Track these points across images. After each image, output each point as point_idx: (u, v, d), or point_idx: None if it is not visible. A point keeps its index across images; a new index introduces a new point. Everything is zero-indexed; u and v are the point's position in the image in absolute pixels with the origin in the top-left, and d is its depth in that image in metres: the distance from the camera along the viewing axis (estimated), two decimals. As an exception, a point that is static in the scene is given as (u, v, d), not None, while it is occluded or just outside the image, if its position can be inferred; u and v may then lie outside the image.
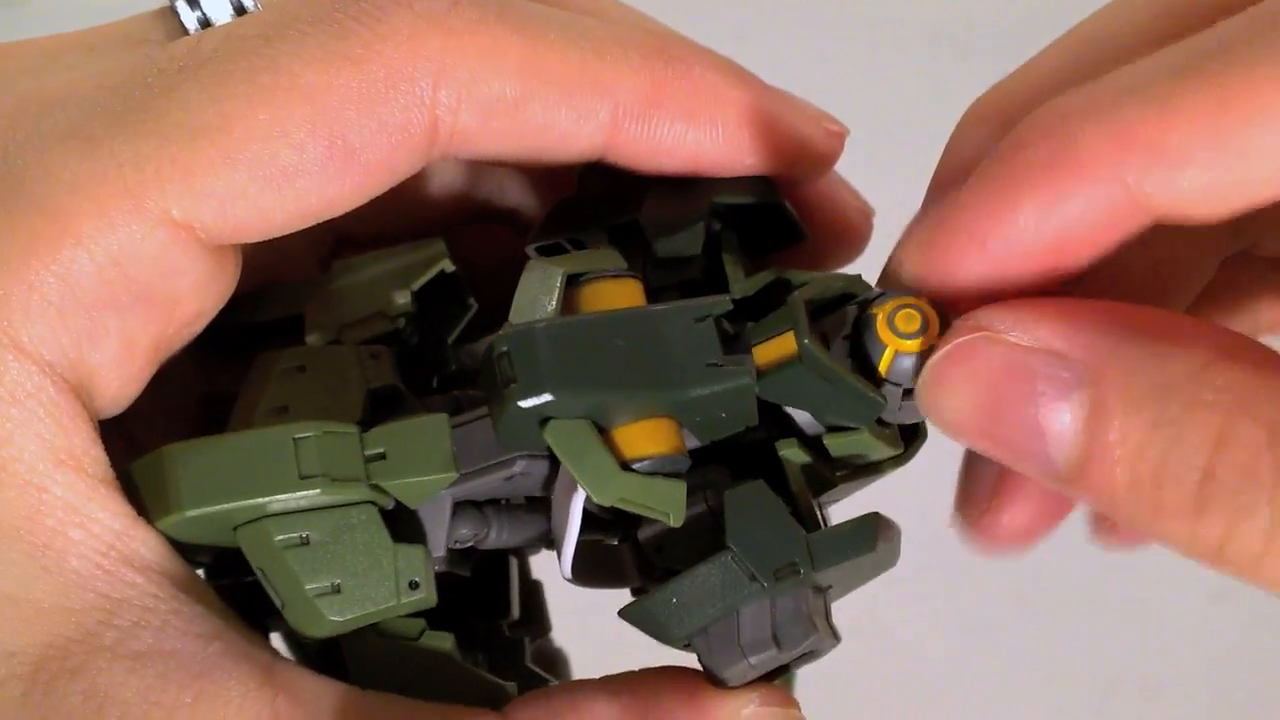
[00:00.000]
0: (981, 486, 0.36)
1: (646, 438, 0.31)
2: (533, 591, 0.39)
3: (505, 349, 0.30)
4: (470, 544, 0.34)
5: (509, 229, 0.39)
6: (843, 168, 0.36)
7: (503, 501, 0.35)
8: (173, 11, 0.34)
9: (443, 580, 0.33)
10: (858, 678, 0.75)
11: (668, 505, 0.31)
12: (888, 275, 0.32)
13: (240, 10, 0.34)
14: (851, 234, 0.36)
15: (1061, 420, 0.27)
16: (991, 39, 0.93)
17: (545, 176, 0.37)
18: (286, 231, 0.31)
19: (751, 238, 0.35)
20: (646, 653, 0.34)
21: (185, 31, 0.34)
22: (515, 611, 0.37)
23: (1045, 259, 0.29)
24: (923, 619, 0.78)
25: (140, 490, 0.31)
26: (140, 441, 0.33)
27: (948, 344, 0.29)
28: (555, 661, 0.39)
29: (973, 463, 0.36)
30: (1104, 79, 0.28)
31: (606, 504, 0.31)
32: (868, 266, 0.36)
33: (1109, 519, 0.36)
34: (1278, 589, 0.27)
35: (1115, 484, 0.27)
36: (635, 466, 0.31)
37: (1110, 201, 0.28)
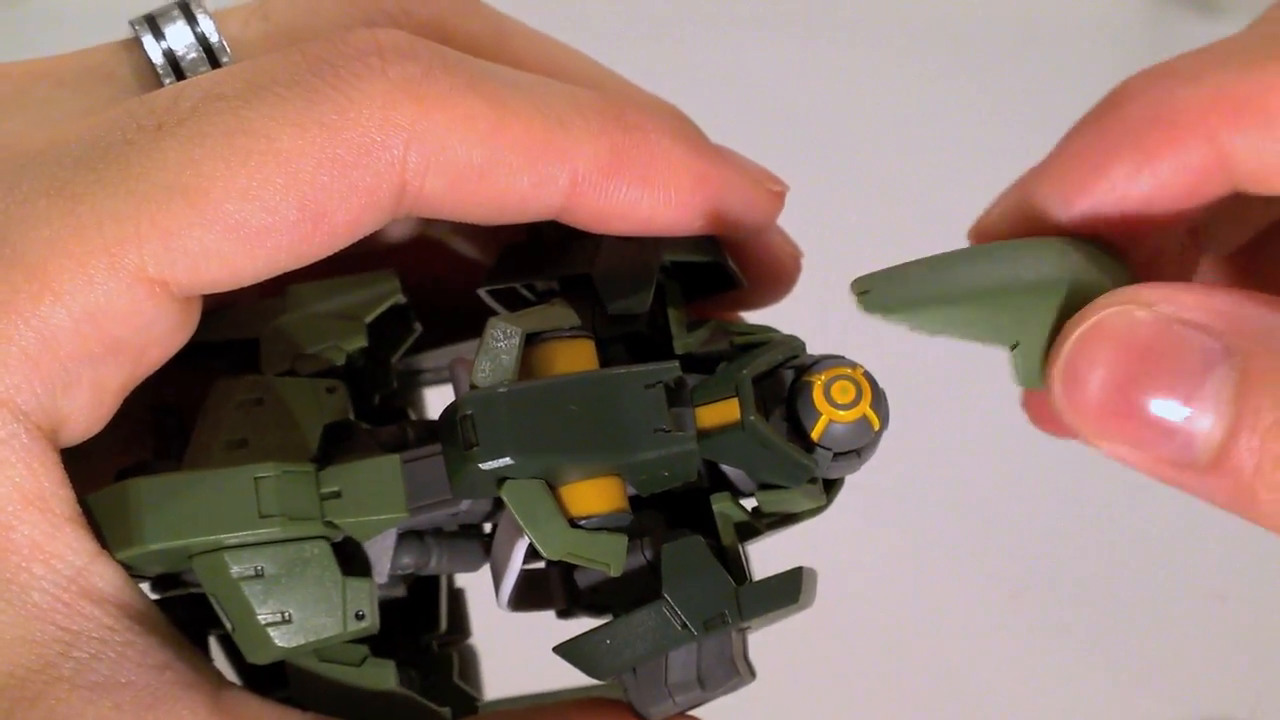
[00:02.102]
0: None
1: (594, 497, 0.33)
2: (456, 601, 0.41)
3: (469, 412, 0.32)
4: (411, 571, 0.36)
5: (448, 247, 0.40)
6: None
7: (442, 529, 0.36)
8: (137, 43, 0.34)
9: (380, 601, 0.34)
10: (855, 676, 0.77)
11: (609, 557, 0.33)
12: (981, 224, 0.31)
13: (205, 45, 0.34)
14: (783, 278, 0.38)
15: (1209, 390, 0.27)
16: (988, 39, 0.93)
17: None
18: (254, 281, 0.32)
19: (691, 284, 0.37)
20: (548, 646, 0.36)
21: (151, 64, 0.34)
22: (444, 626, 0.39)
23: (1133, 220, 0.29)
24: (920, 612, 0.79)
25: (99, 520, 0.32)
26: (91, 446, 0.34)
27: (1091, 318, 0.28)
28: (470, 661, 0.41)
29: None
30: (1202, 48, 0.29)
31: (554, 558, 0.32)
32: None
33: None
34: None
35: (1261, 459, 0.26)
36: (582, 523, 0.32)
37: (1200, 161, 0.28)
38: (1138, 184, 0.29)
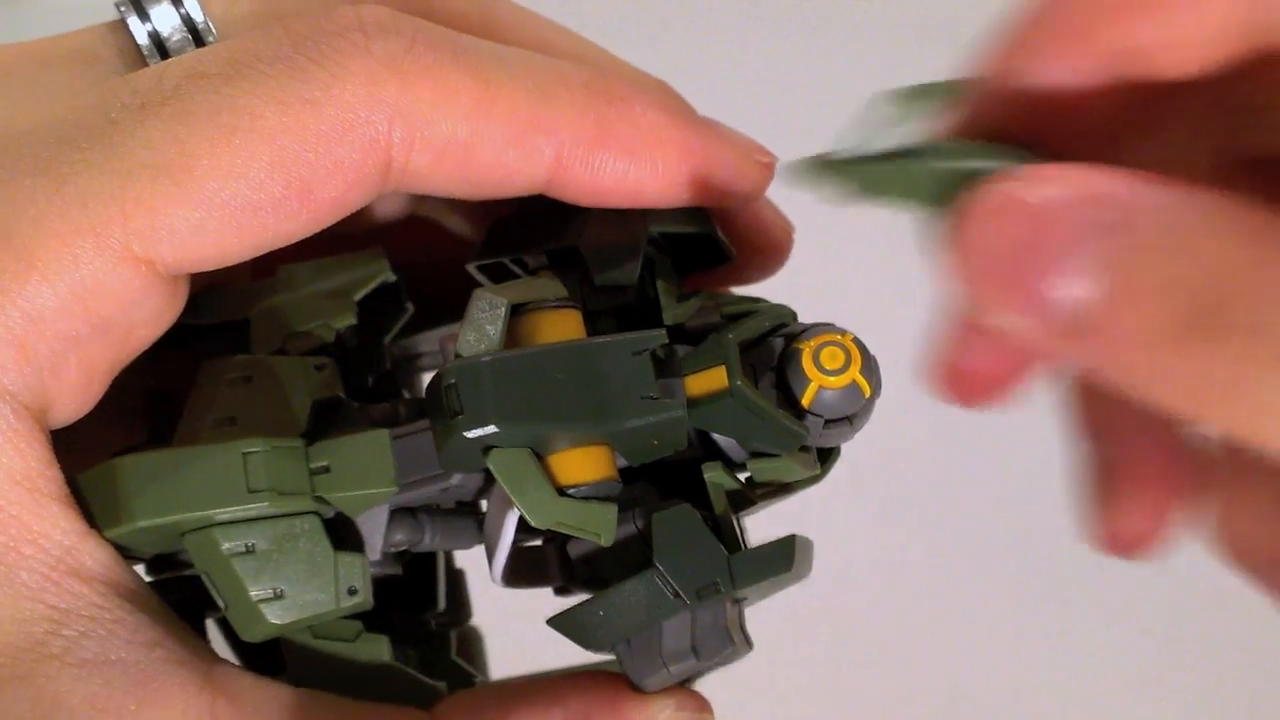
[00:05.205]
0: (1101, 498, 0.36)
1: (582, 465, 0.33)
2: (456, 580, 0.41)
3: (453, 381, 0.32)
4: (405, 548, 0.36)
5: (441, 227, 0.40)
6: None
7: (435, 506, 0.36)
8: (123, 25, 0.34)
9: (375, 579, 0.34)
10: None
11: (599, 527, 0.33)
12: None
13: (190, 26, 0.34)
14: (774, 251, 0.38)
15: (1093, 258, 0.28)
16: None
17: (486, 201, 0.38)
18: (240, 260, 0.32)
19: (682, 258, 0.37)
20: (555, 633, 0.36)
21: (136, 45, 0.34)
22: (442, 604, 0.39)
23: (1042, 113, 0.31)
24: (923, 605, 0.79)
25: (89, 500, 0.32)
26: (85, 432, 0.34)
27: (986, 190, 0.30)
28: (472, 643, 0.41)
29: (1093, 477, 0.36)
30: None
31: (543, 528, 0.32)
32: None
33: (1121, 518, 0.36)
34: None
35: (1137, 322, 0.27)
36: (571, 492, 0.32)
37: (1089, 56, 0.30)
38: (1038, 79, 0.31)
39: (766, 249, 0.38)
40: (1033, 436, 0.80)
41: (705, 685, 0.36)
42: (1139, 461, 0.36)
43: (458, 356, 0.32)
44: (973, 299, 0.30)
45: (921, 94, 0.32)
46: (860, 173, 0.32)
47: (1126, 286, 0.28)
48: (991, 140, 0.33)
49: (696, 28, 0.94)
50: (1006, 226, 0.29)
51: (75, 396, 0.32)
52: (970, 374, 0.35)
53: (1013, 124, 0.32)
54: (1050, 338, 0.29)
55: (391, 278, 0.36)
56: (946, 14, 0.95)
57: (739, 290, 0.39)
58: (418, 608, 0.39)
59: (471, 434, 0.31)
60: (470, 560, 0.40)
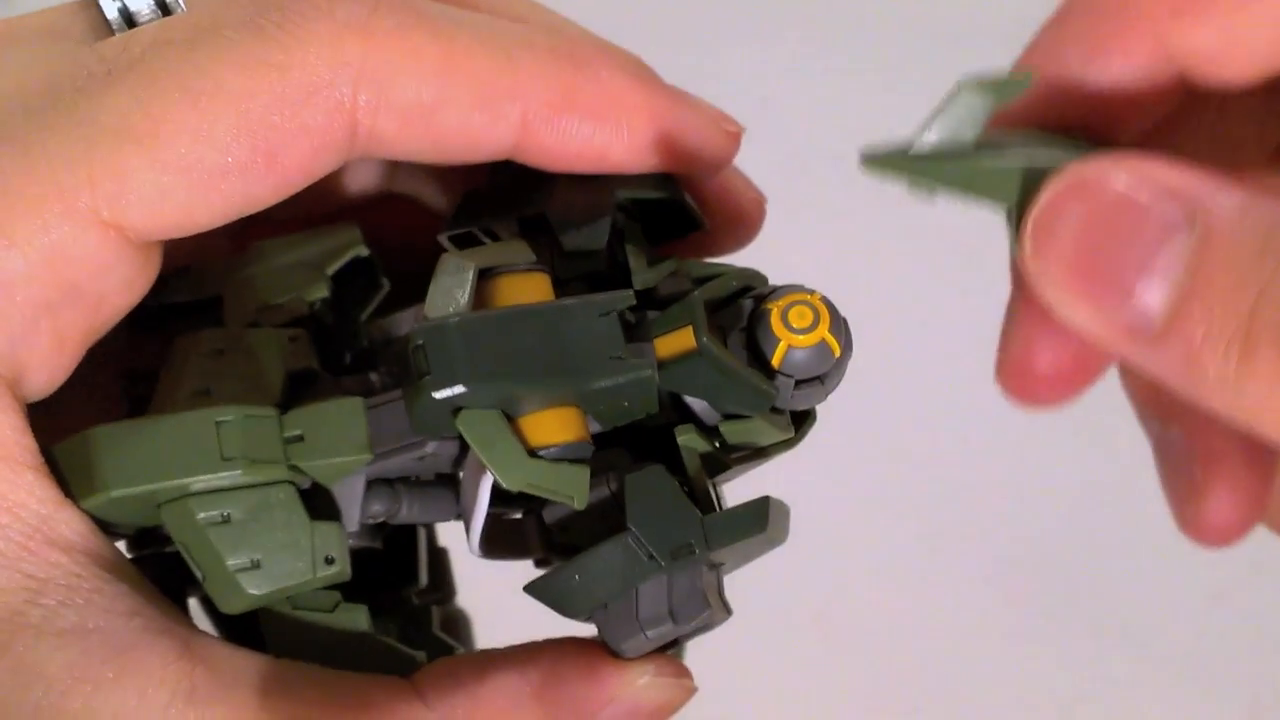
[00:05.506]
0: (1181, 486, 0.35)
1: (553, 426, 0.33)
2: (439, 559, 0.41)
3: (420, 342, 0.32)
4: (382, 519, 0.36)
5: (418, 205, 0.40)
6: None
7: (413, 478, 0.36)
8: (94, 3, 0.35)
9: (355, 552, 0.35)
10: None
11: (572, 489, 0.33)
12: None
13: (161, 3, 0.35)
14: (746, 222, 0.38)
15: (1166, 256, 0.27)
16: (988, 38, 0.94)
17: (457, 168, 0.38)
18: (210, 228, 0.32)
19: (653, 227, 0.37)
20: (545, 615, 0.36)
21: (106, 23, 0.35)
22: (423, 580, 0.39)
23: (1102, 109, 0.31)
24: (915, 608, 0.79)
25: (65, 471, 0.32)
26: (65, 413, 0.34)
27: (1062, 181, 0.29)
28: (459, 625, 0.41)
29: (1168, 464, 0.35)
30: None
31: (514, 489, 0.32)
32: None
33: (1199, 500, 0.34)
34: None
35: (1207, 329, 0.26)
36: (542, 453, 0.32)
37: (1143, 53, 0.29)
38: (1091, 75, 0.30)
39: (737, 219, 0.38)
40: (1026, 453, 0.80)
41: (692, 662, 0.36)
42: (1217, 446, 0.34)
43: (425, 319, 0.32)
44: (1047, 290, 0.29)
45: (994, 86, 0.30)
46: (941, 170, 0.30)
47: (1198, 291, 0.27)
48: (1048, 132, 0.32)
49: (696, 28, 0.95)
50: (1081, 213, 0.28)
51: (48, 365, 0.32)
52: (1039, 373, 0.33)
53: (1064, 116, 0.31)
54: (1120, 340, 0.28)
55: (364, 251, 0.37)
56: (946, 13, 0.96)
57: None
58: (399, 583, 0.39)
59: (439, 394, 0.32)
60: (455, 541, 0.40)
